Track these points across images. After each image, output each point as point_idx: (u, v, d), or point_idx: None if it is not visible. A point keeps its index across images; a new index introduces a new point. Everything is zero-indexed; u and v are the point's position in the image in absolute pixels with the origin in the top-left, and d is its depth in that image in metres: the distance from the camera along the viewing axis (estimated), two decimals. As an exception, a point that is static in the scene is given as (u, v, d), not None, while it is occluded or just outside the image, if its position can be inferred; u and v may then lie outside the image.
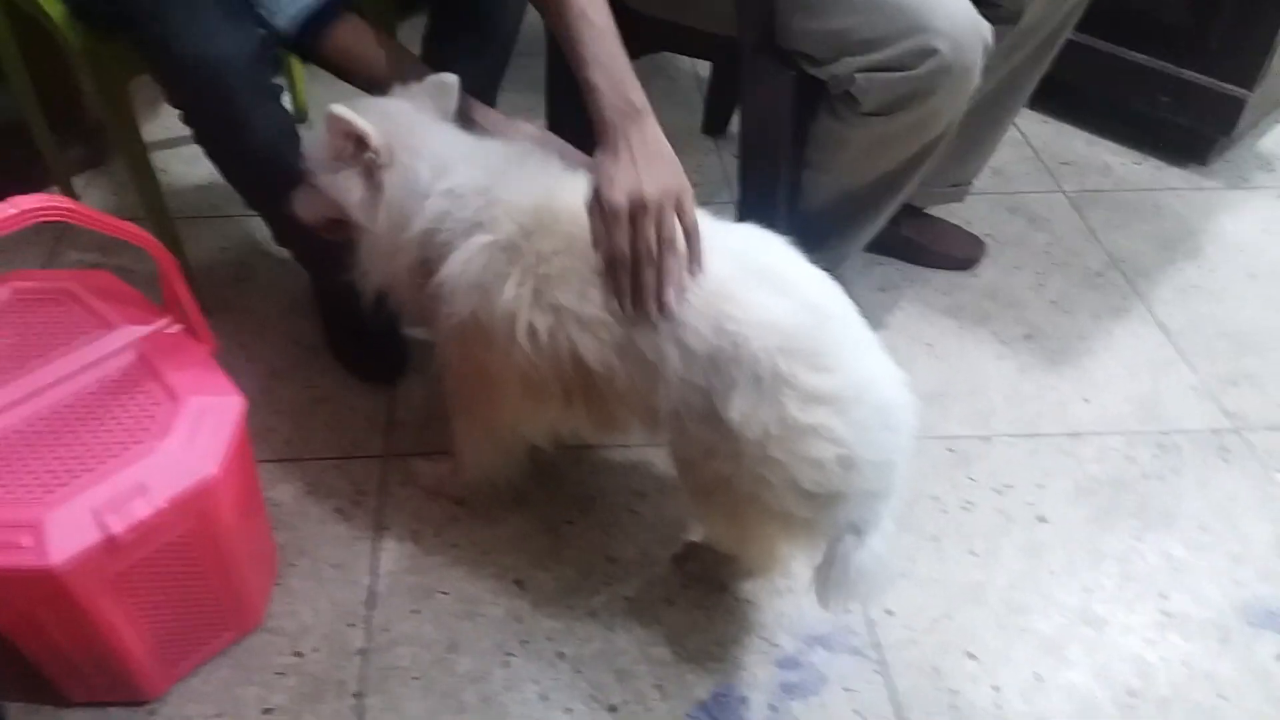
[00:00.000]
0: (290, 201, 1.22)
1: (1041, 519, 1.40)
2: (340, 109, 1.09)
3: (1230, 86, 1.89)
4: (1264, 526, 1.39)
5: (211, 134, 1.33)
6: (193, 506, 1.06)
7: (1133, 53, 1.98)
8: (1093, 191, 1.99)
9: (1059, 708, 1.19)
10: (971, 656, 1.24)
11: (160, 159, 1.93)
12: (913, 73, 1.22)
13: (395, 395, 1.56)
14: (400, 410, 1.54)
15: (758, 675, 1.22)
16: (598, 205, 1.02)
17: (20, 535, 0.97)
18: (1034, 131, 2.14)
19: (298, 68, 2.03)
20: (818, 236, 1.52)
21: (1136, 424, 1.53)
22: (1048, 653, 1.25)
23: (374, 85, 1.25)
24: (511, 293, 1.08)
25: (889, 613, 1.28)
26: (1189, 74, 1.93)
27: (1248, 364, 1.63)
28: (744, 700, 1.19)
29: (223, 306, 1.67)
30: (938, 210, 1.82)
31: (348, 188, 1.14)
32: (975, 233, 1.83)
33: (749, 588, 1.31)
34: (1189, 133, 2.01)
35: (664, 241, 1.00)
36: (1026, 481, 1.45)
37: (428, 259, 1.13)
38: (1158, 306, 1.74)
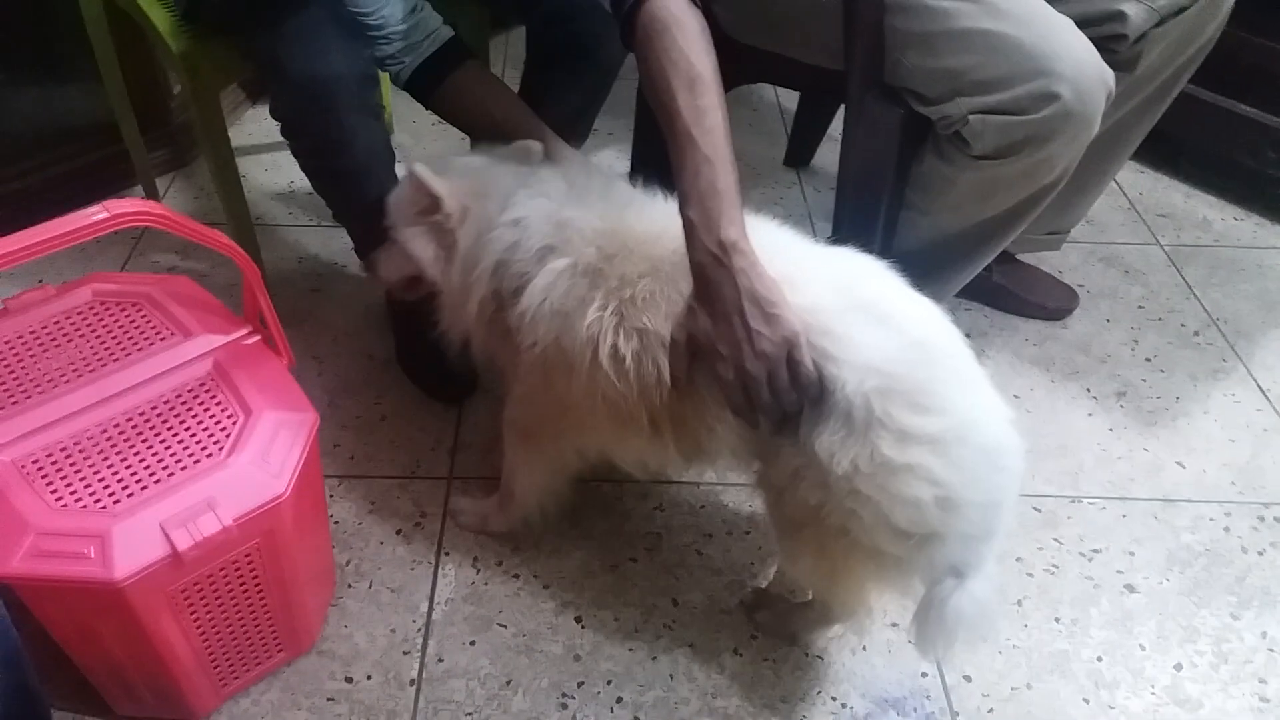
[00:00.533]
0: (372, 263, 1.24)
1: (1131, 588, 1.33)
2: (421, 169, 1.11)
3: (1343, 144, 1.81)
4: (1373, 613, 1.31)
5: (311, 149, 1.33)
6: (260, 526, 1.03)
7: (1239, 105, 1.90)
8: (1191, 246, 1.91)
9: (1148, 795, 1.12)
10: (1055, 733, 1.18)
11: (240, 165, 1.93)
12: (1031, 117, 1.16)
13: (462, 416, 1.53)
14: (466, 432, 1.50)
15: (826, 736, 1.16)
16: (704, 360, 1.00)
17: (86, 545, 0.95)
18: (1130, 181, 2.07)
19: (384, 81, 2.03)
20: (910, 279, 1.47)
21: (1235, 494, 1.45)
22: (1136, 735, 1.18)
23: (484, 134, 1.27)
24: (594, 316, 1.05)
25: (966, 678, 1.22)
26: (1298, 129, 1.85)
27: (1356, 436, 1.54)
28: (811, 762, 1.14)
29: (296, 316, 1.66)
30: (1030, 257, 1.75)
31: (422, 245, 1.17)
32: (1067, 283, 1.77)
33: (821, 643, 1.25)
34: (1294, 190, 1.93)
35: (780, 395, 0.96)
36: (1116, 547, 1.37)
37: (499, 291, 1.12)
38: (1259, 370, 1.65)
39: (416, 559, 1.34)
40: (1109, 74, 1.19)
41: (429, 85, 1.33)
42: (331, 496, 1.40)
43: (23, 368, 1.12)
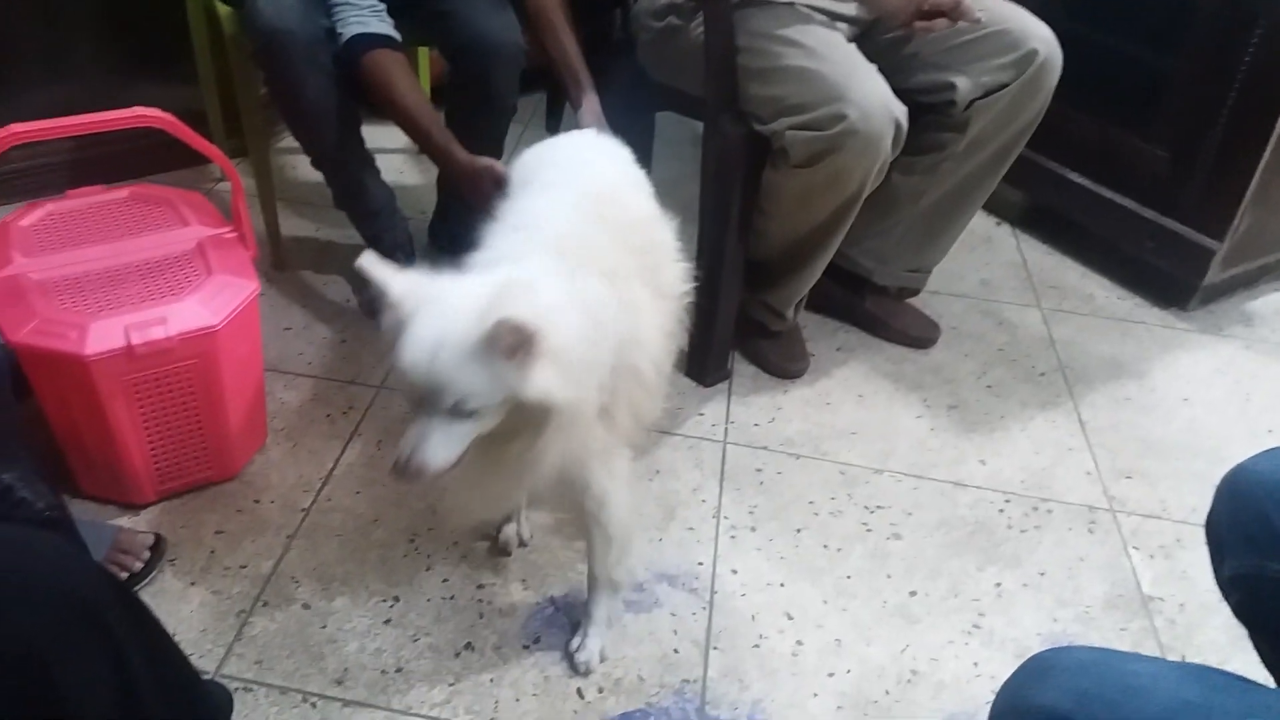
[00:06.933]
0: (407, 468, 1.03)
1: (897, 536, 1.58)
2: (512, 315, 0.94)
3: (1203, 237, 2.06)
4: (1101, 586, 1.53)
5: (274, 92, 1.73)
6: (195, 348, 1.42)
7: (1124, 198, 2.18)
8: (1067, 312, 2.17)
9: (847, 668, 1.37)
10: (789, 616, 1.44)
11: (291, 160, 2.40)
12: (826, 133, 1.51)
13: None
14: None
15: (605, 592, 1.45)
16: None
17: (70, 331, 1.35)
18: (1035, 259, 2.35)
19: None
20: (772, 277, 1.81)
21: (1020, 489, 1.70)
22: (856, 629, 1.43)
23: (394, 113, 1.63)
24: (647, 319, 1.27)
25: (733, 571, 1.50)
26: (1169, 222, 2.11)
27: (1148, 464, 1.77)
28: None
29: (302, 266, 2.10)
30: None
31: (545, 378, 1.00)
32: (941, 325, 2.05)
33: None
34: (1169, 277, 2.18)
35: None
36: (898, 507, 1.64)
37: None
38: (1085, 408, 1.89)
39: (334, 435, 1.70)
40: (898, 108, 1.52)
41: (352, 61, 1.62)
42: (286, 385, 1.79)
43: (70, 230, 1.55)
